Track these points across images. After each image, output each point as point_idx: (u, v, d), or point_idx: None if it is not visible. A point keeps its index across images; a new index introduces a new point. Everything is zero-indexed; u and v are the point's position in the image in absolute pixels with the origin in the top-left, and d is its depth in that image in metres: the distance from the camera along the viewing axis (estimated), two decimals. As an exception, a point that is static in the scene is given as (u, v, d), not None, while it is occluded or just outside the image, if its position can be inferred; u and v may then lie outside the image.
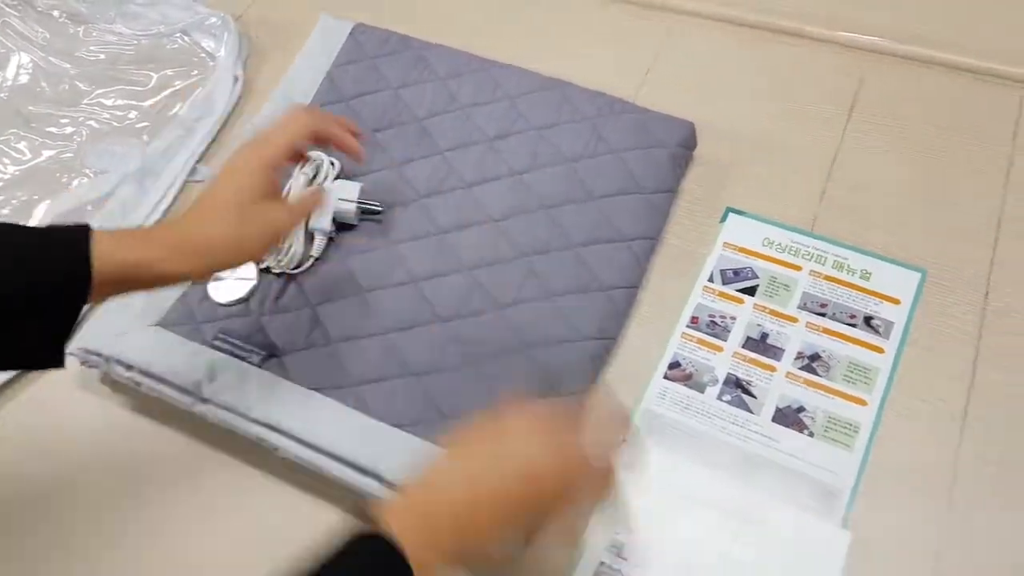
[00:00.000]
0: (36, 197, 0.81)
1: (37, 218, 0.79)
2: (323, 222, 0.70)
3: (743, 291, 0.69)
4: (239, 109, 0.85)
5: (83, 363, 0.68)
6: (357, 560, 0.40)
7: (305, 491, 0.63)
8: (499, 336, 0.65)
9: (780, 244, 0.71)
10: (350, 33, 0.83)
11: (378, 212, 0.72)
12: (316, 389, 0.64)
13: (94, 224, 0.51)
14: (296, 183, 0.73)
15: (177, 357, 0.66)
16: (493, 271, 0.69)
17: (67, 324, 0.50)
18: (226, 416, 0.64)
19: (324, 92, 0.81)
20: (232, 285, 0.70)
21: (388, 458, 0.59)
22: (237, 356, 0.66)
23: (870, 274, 0.68)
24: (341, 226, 0.73)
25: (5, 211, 0.80)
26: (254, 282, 0.70)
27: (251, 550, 0.59)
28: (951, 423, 0.61)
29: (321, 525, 0.41)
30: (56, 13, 0.92)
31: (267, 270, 0.71)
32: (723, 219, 0.73)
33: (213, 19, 0.88)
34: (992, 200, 0.71)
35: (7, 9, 0.92)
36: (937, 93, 0.77)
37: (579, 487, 0.46)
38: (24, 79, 0.88)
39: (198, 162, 0.82)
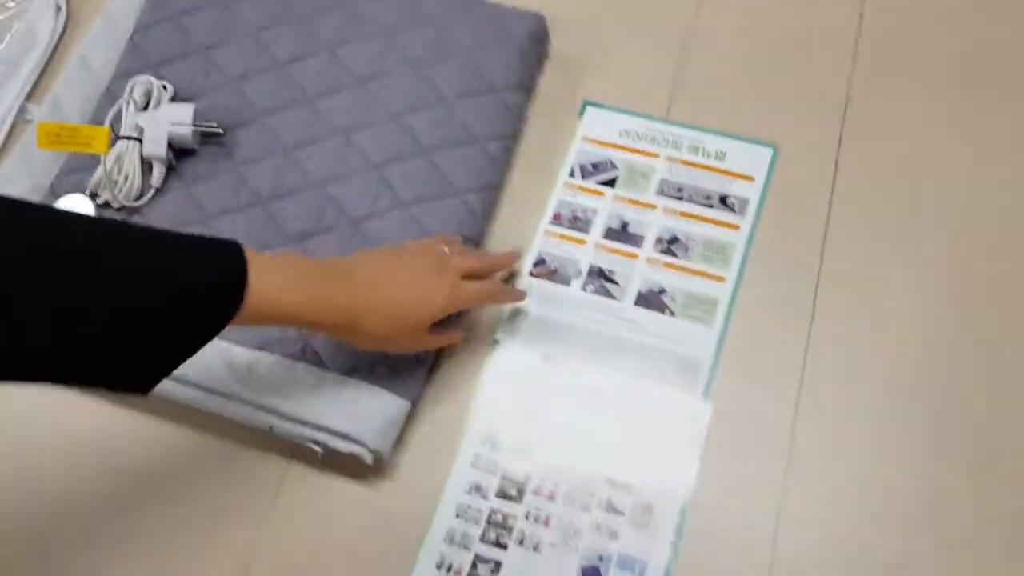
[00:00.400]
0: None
1: None
2: (158, 148, 0.66)
3: (603, 183, 0.68)
4: (65, 40, 0.79)
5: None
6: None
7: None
8: (354, 251, 0.63)
9: (637, 133, 0.70)
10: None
11: (219, 134, 0.68)
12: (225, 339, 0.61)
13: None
14: (127, 110, 0.68)
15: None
16: (343, 185, 0.66)
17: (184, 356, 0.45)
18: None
19: (150, 10, 0.75)
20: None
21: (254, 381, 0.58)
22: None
23: (724, 154, 0.68)
24: (181, 152, 0.68)
25: None
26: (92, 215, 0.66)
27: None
28: (805, 294, 0.62)
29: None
30: None
31: (106, 204, 0.67)
32: (581, 113, 0.71)
33: (25, -56, 0.81)
34: (840, 72, 0.71)
35: None
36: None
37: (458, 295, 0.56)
38: None
39: (27, 100, 0.76)
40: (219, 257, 0.46)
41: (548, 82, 0.73)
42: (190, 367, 0.46)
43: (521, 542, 0.56)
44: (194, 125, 0.67)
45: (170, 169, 0.68)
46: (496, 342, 0.63)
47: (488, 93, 0.68)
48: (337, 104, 0.69)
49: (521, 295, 0.63)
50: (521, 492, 0.58)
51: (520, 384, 0.61)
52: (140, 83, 0.69)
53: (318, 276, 0.51)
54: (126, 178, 0.66)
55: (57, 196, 0.68)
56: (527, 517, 0.57)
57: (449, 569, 0.56)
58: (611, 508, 0.57)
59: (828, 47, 0.72)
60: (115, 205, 0.67)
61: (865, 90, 0.70)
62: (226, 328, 0.46)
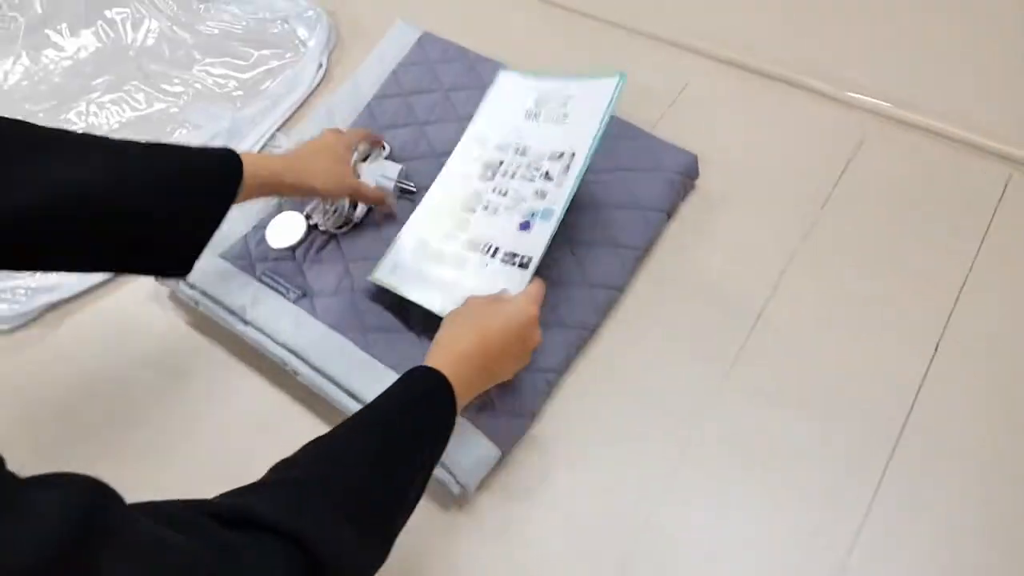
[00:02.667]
0: (144, 140, 0.97)
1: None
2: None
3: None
4: (318, 91, 1.00)
5: (157, 279, 0.83)
6: (420, 383, 0.60)
7: (316, 415, 0.77)
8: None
9: (755, 272, 0.80)
10: (418, 40, 0.97)
11: (412, 192, 0.85)
12: (335, 328, 0.77)
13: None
14: (352, 158, 0.86)
15: (231, 284, 0.80)
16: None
17: (211, 228, 0.64)
18: (260, 338, 0.77)
19: (388, 85, 0.94)
20: (284, 234, 0.84)
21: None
22: (277, 291, 0.80)
23: (827, 309, 0.77)
24: (382, 200, 0.86)
25: (117, 148, 0.97)
26: (302, 234, 0.84)
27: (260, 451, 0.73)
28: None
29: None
30: (185, -10, 1.09)
31: (315, 227, 0.85)
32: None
33: (310, 12, 1.03)
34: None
35: (146, -18, 1.10)
36: (932, 162, 0.85)
37: (532, 334, 0.67)
38: (150, 42, 1.05)
39: (278, 130, 0.97)
40: (216, 152, 0.67)
41: (690, 208, 0.85)
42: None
43: (486, 207, 0.77)
44: (397, 181, 0.84)
45: (370, 210, 0.85)
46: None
47: (635, 209, 0.81)
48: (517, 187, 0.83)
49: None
50: (494, 173, 0.77)
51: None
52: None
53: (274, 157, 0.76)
54: (335, 210, 0.84)
55: (281, 210, 0.86)
56: (494, 191, 0.77)
57: None
58: (547, 177, 0.75)
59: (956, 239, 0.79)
60: (322, 228, 0.84)
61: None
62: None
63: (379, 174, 0.84)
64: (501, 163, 0.79)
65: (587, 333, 0.77)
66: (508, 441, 0.71)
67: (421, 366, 0.61)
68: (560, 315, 0.76)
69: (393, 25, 1.00)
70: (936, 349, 0.73)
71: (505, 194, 0.77)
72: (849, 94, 0.90)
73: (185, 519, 0.41)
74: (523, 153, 0.78)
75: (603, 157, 0.84)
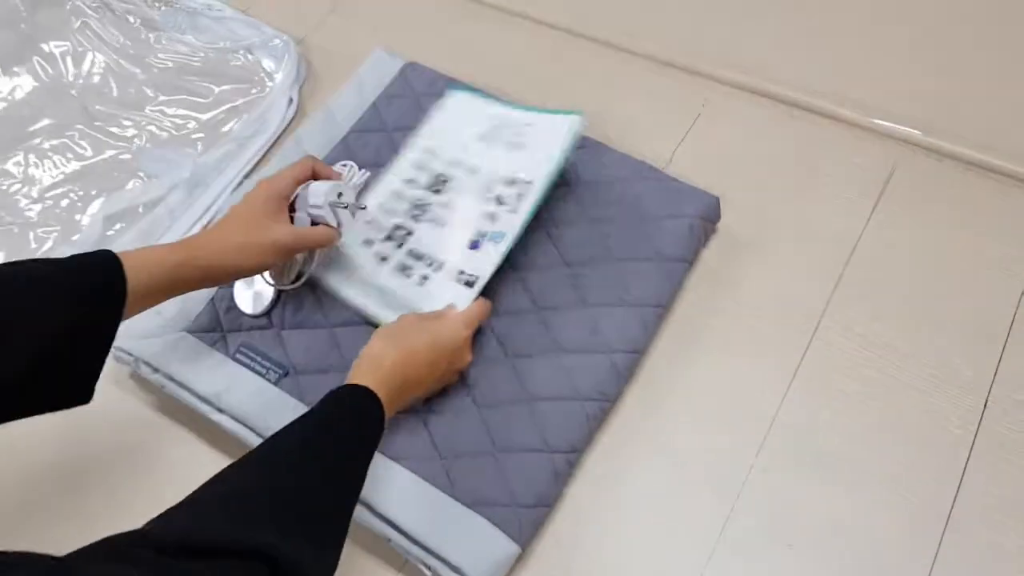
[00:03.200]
0: (93, 193, 0.86)
1: (90, 213, 0.85)
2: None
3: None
4: (290, 129, 0.89)
5: (115, 359, 0.72)
6: (346, 399, 0.58)
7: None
8: (508, 386, 0.68)
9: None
10: (400, 70, 0.87)
11: (362, 208, 0.73)
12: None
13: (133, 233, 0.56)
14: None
15: (201, 366, 0.70)
16: (511, 320, 0.71)
17: (101, 355, 0.55)
18: (237, 428, 0.68)
19: (367, 120, 0.84)
20: (256, 296, 0.74)
21: (382, 490, 0.62)
22: (256, 372, 0.70)
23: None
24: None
25: (63, 203, 0.86)
26: (274, 294, 0.74)
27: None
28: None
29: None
30: (131, 18, 0.98)
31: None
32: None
33: (276, 41, 0.93)
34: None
35: (87, 9, 0.98)
36: (964, 192, 0.78)
37: (461, 356, 0.67)
38: (95, 79, 0.94)
39: (246, 177, 0.87)
40: (93, 262, 0.56)
41: (709, 254, 0.77)
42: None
43: (433, 220, 0.75)
44: (331, 203, 0.69)
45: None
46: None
47: (655, 261, 0.73)
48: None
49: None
50: (442, 188, 0.74)
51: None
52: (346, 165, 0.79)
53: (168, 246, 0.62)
54: (286, 264, 0.73)
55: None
56: (443, 205, 0.75)
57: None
58: (499, 201, 0.73)
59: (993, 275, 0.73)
60: (274, 285, 0.74)
61: None
62: None
63: (308, 205, 0.70)
64: (451, 179, 0.77)
65: (608, 405, 0.69)
66: (527, 535, 0.63)
67: (345, 385, 0.59)
68: (577, 385, 0.68)
69: (372, 53, 0.90)
70: (985, 406, 0.66)
71: (454, 210, 0.75)
72: (877, 121, 0.82)
73: (141, 559, 0.40)
74: (474, 172, 0.76)
75: (616, 202, 0.76)
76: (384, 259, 0.74)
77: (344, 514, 0.52)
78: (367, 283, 0.73)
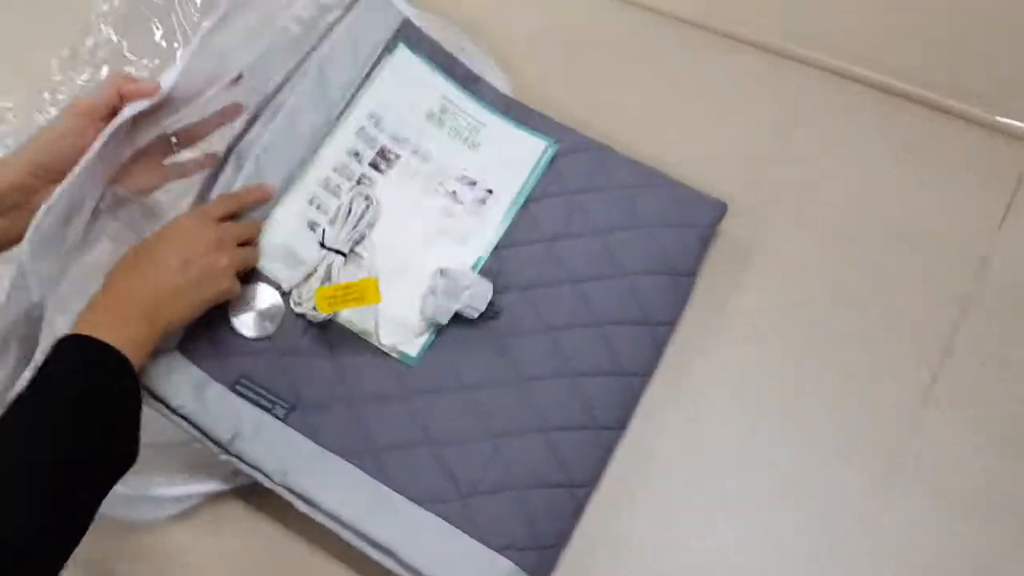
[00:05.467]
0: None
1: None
2: (443, 316, 0.68)
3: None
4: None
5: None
6: (72, 357, 0.53)
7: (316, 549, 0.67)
8: (519, 413, 0.68)
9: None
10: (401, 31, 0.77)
11: (496, 316, 0.70)
12: (340, 454, 0.66)
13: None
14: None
15: (206, 403, 0.66)
16: (517, 340, 0.70)
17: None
18: (249, 471, 0.66)
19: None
20: (257, 320, 0.69)
21: (408, 539, 0.63)
22: (261, 407, 0.67)
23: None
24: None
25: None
26: (280, 319, 0.69)
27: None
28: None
29: None
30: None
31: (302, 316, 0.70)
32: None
33: None
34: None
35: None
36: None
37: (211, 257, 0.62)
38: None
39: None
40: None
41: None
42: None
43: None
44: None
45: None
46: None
47: (669, 275, 0.71)
48: (519, 256, 0.72)
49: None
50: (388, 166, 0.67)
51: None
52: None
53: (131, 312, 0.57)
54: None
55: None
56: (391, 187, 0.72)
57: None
58: (454, 197, 0.72)
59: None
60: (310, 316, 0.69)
61: None
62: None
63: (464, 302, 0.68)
64: (397, 158, 0.73)
65: (622, 432, 0.69)
66: (546, 570, 0.65)
67: (70, 336, 0.53)
68: (594, 415, 0.68)
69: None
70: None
71: (403, 196, 0.72)
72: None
73: None
74: (425, 159, 0.73)
75: (620, 211, 0.73)
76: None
77: (80, 477, 0.51)
78: (295, 254, 0.69)
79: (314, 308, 0.68)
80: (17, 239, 0.56)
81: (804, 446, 0.68)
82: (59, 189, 0.54)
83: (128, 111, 0.56)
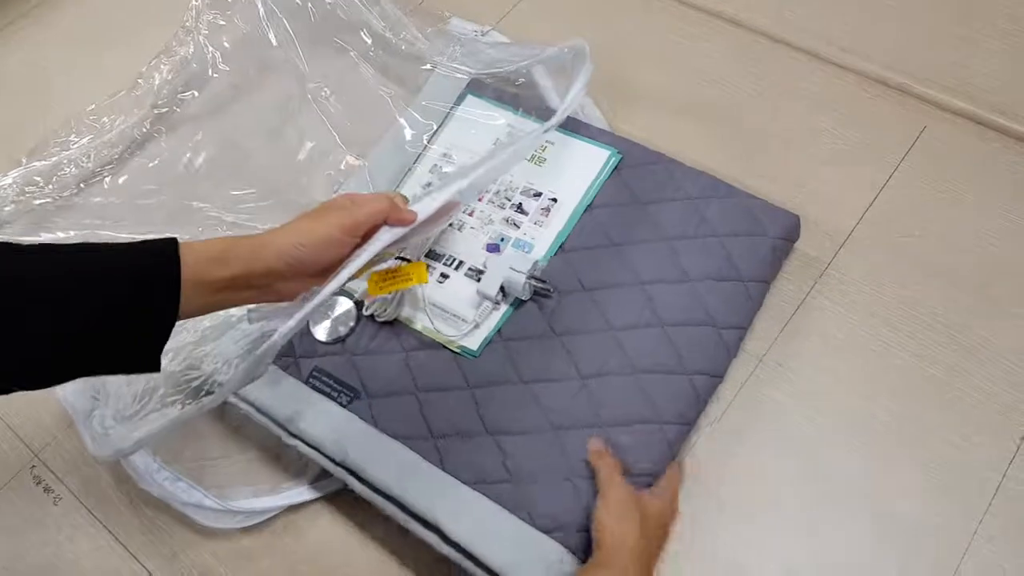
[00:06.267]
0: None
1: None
2: (490, 289, 0.71)
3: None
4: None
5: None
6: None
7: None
8: (580, 407, 0.66)
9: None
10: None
11: (549, 295, 0.71)
12: (398, 438, 0.67)
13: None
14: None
15: (278, 391, 0.70)
16: (581, 339, 0.70)
17: (162, 329, 0.52)
18: (311, 452, 0.67)
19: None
20: (332, 325, 0.74)
21: (456, 516, 0.61)
22: (327, 395, 0.70)
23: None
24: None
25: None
26: (352, 323, 0.74)
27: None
28: None
29: None
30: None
31: (371, 317, 0.74)
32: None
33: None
34: None
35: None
36: None
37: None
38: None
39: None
40: (149, 245, 0.52)
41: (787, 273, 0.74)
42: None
43: (450, 225, 0.76)
44: (529, 277, 0.70)
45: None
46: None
47: (735, 282, 0.70)
48: (587, 258, 0.74)
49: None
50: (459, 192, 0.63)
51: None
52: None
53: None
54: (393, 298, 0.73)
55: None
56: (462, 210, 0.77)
57: None
58: (519, 209, 0.76)
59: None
60: (379, 319, 0.73)
61: None
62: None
63: (509, 266, 0.71)
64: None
65: (687, 429, 0.66)
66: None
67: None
68: (656, 409, 0.65)
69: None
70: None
71: (471, 214, 0.77)
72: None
73: None
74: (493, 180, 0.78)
75: (687, 219, 0.74)
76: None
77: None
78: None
79: (376, 304, 0.72)
80: (239, 304, 0.57)
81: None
82: (324, 291, 0.56)
83: (387, 237, 0.58)
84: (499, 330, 0.71)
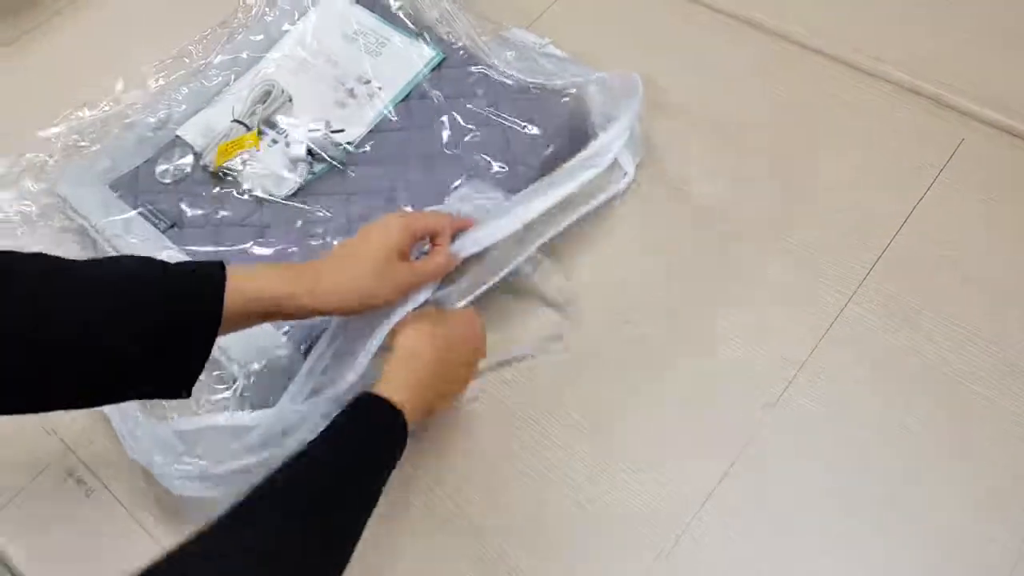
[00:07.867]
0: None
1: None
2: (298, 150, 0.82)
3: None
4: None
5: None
6: (363, 412, 0.57)
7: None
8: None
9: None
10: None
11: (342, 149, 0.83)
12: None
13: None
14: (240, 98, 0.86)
15: (111, 210, 0.81)
16: (366, 196, 0.81)
17: (199, 358, 0.53)
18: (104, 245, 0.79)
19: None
20: (171, 170, 0.85)
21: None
22: (150, 221, 0.80)
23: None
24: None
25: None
26: (188, 170, 0.84)
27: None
28: None
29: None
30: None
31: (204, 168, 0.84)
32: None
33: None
34: None
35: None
36: None
37: (482, 346, 0.68)
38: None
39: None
40: (197, 267, 0.54)
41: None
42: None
43: (289, 100, 0.86)
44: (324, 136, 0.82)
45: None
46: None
47: (516, 165, 0.80)
48: (390, 138, 0.85)
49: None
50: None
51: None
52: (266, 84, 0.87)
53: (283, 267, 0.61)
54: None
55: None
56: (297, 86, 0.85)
57: None
58: (351, 93, 0.87)
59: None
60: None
61: None
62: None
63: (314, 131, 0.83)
64: (313, 65, 0.89)
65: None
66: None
67: (371, 397, 0.57)
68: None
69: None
70: None
71: (305, 92, 0.87)
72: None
73: None
74: (334, 66, 0.89)
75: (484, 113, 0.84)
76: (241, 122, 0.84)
77: (356, 538, 0.53)
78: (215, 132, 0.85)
79: (212, 162, 0.83)
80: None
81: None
82: (378, 334, 0.62)
83: (428, 291, 0.64)
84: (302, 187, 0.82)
